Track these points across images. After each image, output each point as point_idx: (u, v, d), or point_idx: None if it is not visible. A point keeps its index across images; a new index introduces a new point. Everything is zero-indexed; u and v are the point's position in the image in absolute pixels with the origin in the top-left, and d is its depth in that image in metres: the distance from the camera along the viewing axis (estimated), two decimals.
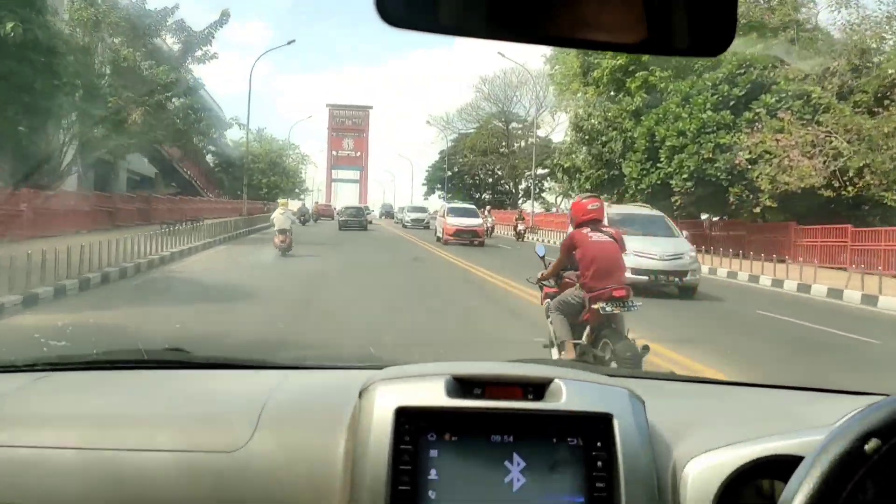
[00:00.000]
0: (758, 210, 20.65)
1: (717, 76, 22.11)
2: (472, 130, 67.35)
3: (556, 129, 63.86)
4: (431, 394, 1.10)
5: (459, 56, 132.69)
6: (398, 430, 1.06)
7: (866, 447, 0.78)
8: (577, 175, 30.04)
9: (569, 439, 1.08)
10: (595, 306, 4.83)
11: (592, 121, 28.45)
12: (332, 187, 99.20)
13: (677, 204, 22.62)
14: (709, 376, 5.11)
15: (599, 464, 1.06)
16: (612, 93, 29.16)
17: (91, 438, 1.15)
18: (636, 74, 27.18)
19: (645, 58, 26.92)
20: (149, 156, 39.53)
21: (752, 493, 1.07)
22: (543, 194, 72.81)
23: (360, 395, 1.14)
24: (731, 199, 20.81)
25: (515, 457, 1.06)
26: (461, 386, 1.11)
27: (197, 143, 28.79)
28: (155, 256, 14.38)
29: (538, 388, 1.12)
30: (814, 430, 1.06)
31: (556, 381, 1.12)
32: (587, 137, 28.92)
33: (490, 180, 73.24)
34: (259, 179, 56.32)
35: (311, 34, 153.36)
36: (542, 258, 5.87)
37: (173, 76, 20.36)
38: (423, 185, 75.86)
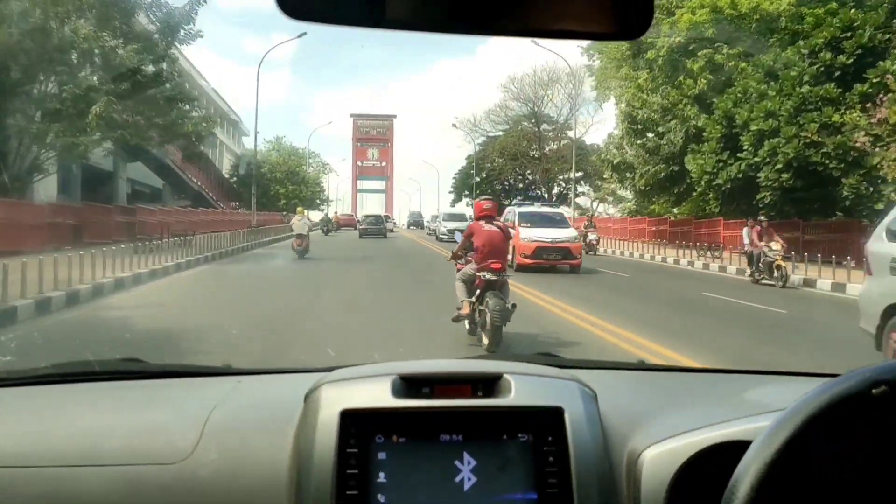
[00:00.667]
0: (881, 206, 16.26)
1: (814, 43, 17.81)
2: (500, 133, 63.23)
3: (591, 129, 59.65)
4: (377, 395, 1.07)
5: (485, 57, 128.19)
6: (344, 433, 1.03)
7: (874, 391, 0.75)
8: (629, 172, 25.87)
9: (519, 435, 1.05)
10: (479, 274, 6.80)
11: (647, 110, 24.25)
12: (358, 198, 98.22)
13: (767, 201, 18.29)
14: (672, 363, 5.43)
15: (551, 459, 1.03)
16: (669, 76, 24.91)
17: (31, 455, 1.11)
18: (699, 53, 23.00)
19: (710, 33, 22.70)
20: (154, 166, 36.46)
21: (707, 480, 1.02)
22: (577, 199, 69.10)
23: (306, 398, 1.11)
24: (845, 192, 16.53)
25: (465, 456, 1.04)
26: (408, 385, 1.08)
27: (196, 144, 24.94)
28: (85, 286, 10.25)
29: (487, 385, 1.10)
30: (765, 414, 1.06)
31: (505, 376, 1.10)
32: (640, 128, 24.73)
33: (521, 185, 69.35)
34: (276, 189, 53.01)
35: (335, 48, 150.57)
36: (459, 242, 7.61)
37: (147, 59, 16.85)
38: (451, 191, 72.04)
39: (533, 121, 60.23)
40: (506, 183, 65.52)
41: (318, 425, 1.04)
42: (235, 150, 61.86)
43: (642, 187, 24.83)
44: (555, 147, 60.30)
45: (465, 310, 6.81)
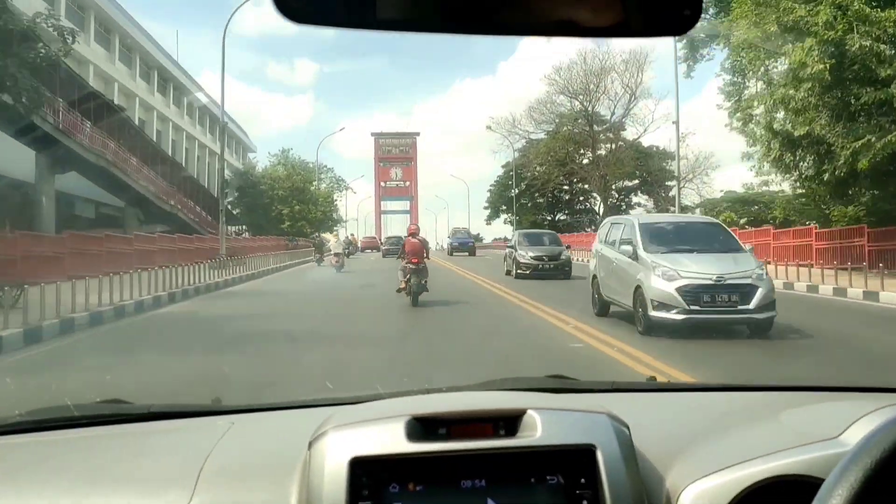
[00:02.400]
0: None
1: None
2: (543, 135, 53.47)
3: (652, 127, 49.69)
4: (390, 438, 0.98)
5: (526, 48, 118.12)
6: (354, 483, 0.94)
7: None
8: (811, 148, 16.08)
9: (548, 478, 0.97)
10: (406, 266, 12.06)
11: (866, 36, 14.40)
12: (382, 219, 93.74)
13: None
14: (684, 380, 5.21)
15: (584, 503, 0.95)
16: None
17: None
18: None
19: None
20: (104, 182, 27.89)
21: None
22: (632, 211, 59.29)
23: (310, 445, 1.01)
24: None
25: (490, 503, 0.95)
26: (423, 426, 1.00)
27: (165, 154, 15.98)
28: None
29: (510, 422, 1.01)
30: (816, 444, 1.00)
31: (530, 412, 1.01)
32: (829, 81, 14.89)
33: (567, 197, 59.83)
34: (279, 209, 44.25)
35: (357, 75, 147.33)
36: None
37: None
38: (486, 206, 62.58)
39: (584, 117, 50.07)
40: (550, 195, 56.07)
41: (326, 475, 0.95)
42: (239, 167, 53.51)
43: (842, 175, 14.93)
44: (611, 148, 50.49)
45: (402, 286, 12.17)
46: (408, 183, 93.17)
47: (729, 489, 0.97)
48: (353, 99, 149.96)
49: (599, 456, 0.97)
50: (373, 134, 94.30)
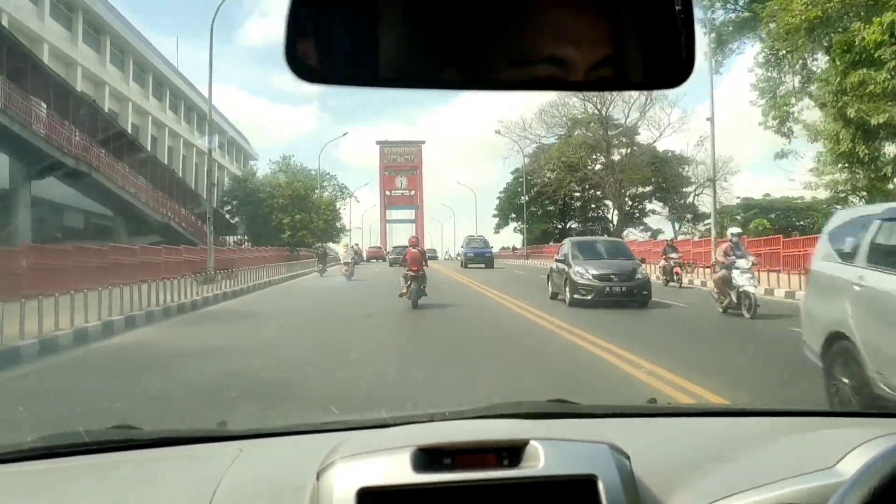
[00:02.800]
0: None
1: None
2: (553, 139, 51.43)
3: (667, 131, 47.62)
4: (396, 469, 1.00)
5: None
6: None
7: None
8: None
9: None
10: (406, 272, 13.41)
11: None
12: (387, 228, 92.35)
13: None
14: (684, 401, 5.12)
15: None
16: None
17: None
18: None
19: None
20: (88, 189, 26.02)
21: None
22: (646, 220, 57.11)
23: (318, 476, 1.03)
24: None
25: None
26: (428, 456, 1.02)
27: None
28: None
29: (513, 452, 1.04)
30: (813, 474, 1.02)
31: (532, 443, 1.03)
32: None
33: (578, 204, 57.73)
34: (279, 218, 42.31)
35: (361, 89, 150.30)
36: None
37: None
38: (495, 214, 60.54)
39: (598, 119, 48.03)
40: (562, 201, 54.00)
41: None
42: (240, 174, 51.69)
43: None
44: (626, 153, 48.38)
45: (404, 290, 13.27)
46: (413, 192, 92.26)
47: None
48: (357, 109, 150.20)
49: (601, 486, 0.98)
50: (378, 142, 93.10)
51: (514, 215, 58.07)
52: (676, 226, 52.23)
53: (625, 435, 1.15)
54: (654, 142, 48.10)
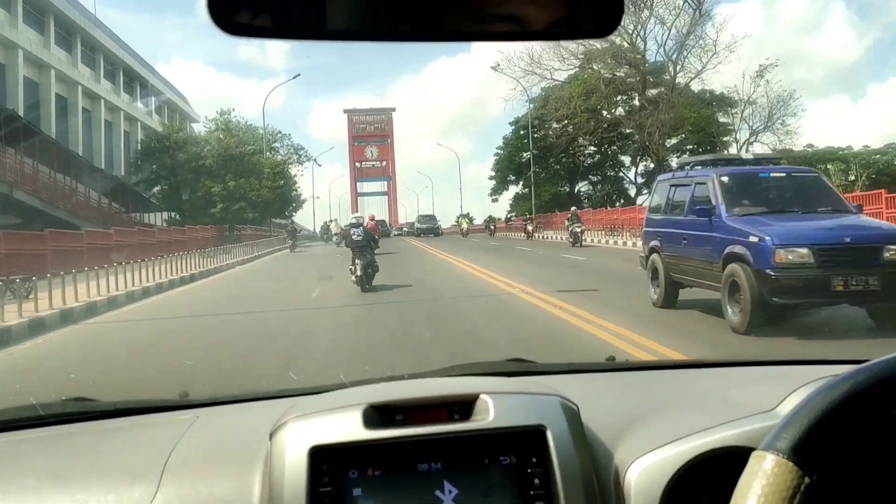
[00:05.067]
0: None
1: None
2: (567, 76, 40.24)
3: (712, 62, 36.67)
4: (348, 427, 1.01)
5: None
6: (315, 471, 0.97)
7: None
8: None
9: (501, 458, 1.01)
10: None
11: None
12: (358, 202, 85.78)
13: None
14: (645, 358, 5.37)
15: (536, 481, 0.99)
16: None
17: None
18: None
19: None
20: None
21: (703, 491, 1.01)
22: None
23: (271, 436, 1.04)
24: None
25: (446, 485, 0.99)
26: (380, 414, 1.04)
27: None
28: None
29: (464, 407, 1.06)
30: (754, 416, 1.06)
31: (482, 397, 1.05)
32: None
33: (589, 162, 47.41)
34: (207, 187, 31.21)
35: (329, 50, 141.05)
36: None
37: None
38: (491, 177, 49.69)
39: (630, 42, 36.86)
40: (567, 159, 43.51)
41: (287, 464, 0.98)
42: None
43: None
44: (667, 91, 37.61)
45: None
46: (385, 162, 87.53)
47: (673, 462, 1.01)
48: (327, 81, 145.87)
49: (549, 436, 1.01)
50: (346, 111, 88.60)
51: (512, 177, 47.47)
52: None
53: (577, 390, 1.16)
54: (695, 77, 37.44)
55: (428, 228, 45.75)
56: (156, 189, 33.02)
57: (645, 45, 36.45)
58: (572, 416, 1.06)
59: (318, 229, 55.01)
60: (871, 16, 71.86)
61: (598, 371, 1.66)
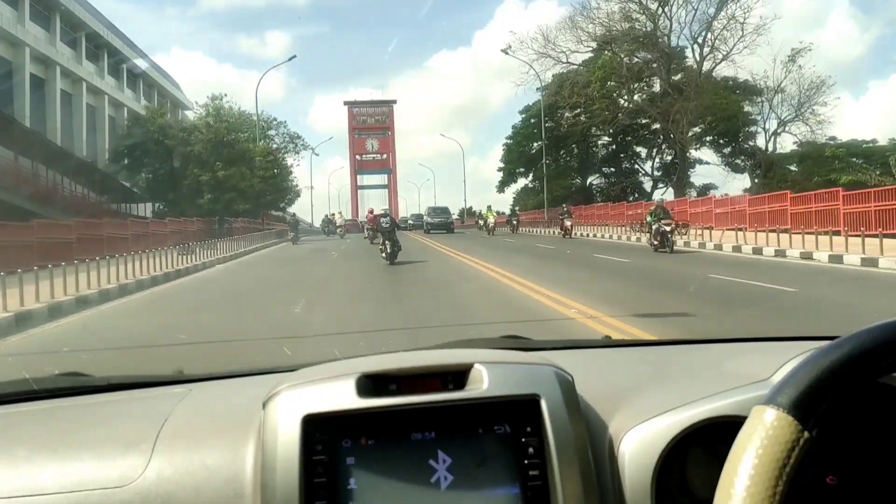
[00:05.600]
0: None
1: None
2: (587, 56, 37.44)
3: (738, 46, 34.08)
4: (341, 396, 1.00)
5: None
6: (308, 440, 0.96)
7: None
8: None
9: (495, 428, 1.01)
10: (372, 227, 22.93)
11: None
12: (358, 195, 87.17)
13: None
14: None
15: (531, 450, 0.99)
16: None
17: None
18: None
19: None
20: None
21: (697, 461, 1.02)
22: (692, 175, 43.85)
23: (264, 405, 1.03)
24: None
25: (440, 454, 0.99)
26: (374, 383, 1.02)
27: None
28: None
29: (458, 377, 1.04)
30: (748, 386, 1.07)
31: (477, 366, 1.05)
32: None
33: (603, 153, 44.87)
34: (195, 175, 28.74)
35: (330, 43, 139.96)
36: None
37: None
38: (499, 169, 47.12)
39: (652, 20, 34.26)
40: (577, 150, 40.91)
41: (280, 433, 0.97)
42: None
43: None
44: (676, 80, 35.10)
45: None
46: (385, 155, 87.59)
47: (667, 431, 1.02)
48: (326, 74, 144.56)
49: (544, 405, 1.00)
50: (346, 103, 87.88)
51: (522, 169, 44.95)
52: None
53: (571, 362, 1.14)
54: (719, 63, 34.91)
55: (440, 223, 39.25)
56: (139, 178, 30.47)
57: (671, 25, 33.84)
58: (567, 386, 1.05)
59: (315, 222, 52.69)
60: (874, 12, 69.65)
61: (594, 347, 1.67)
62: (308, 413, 0.97)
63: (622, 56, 34.45)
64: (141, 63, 40.95)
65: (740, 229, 18.61)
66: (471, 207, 46.64)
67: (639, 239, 22.27)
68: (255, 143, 32.77)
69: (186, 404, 1.19)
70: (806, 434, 0.67)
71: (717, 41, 32.77)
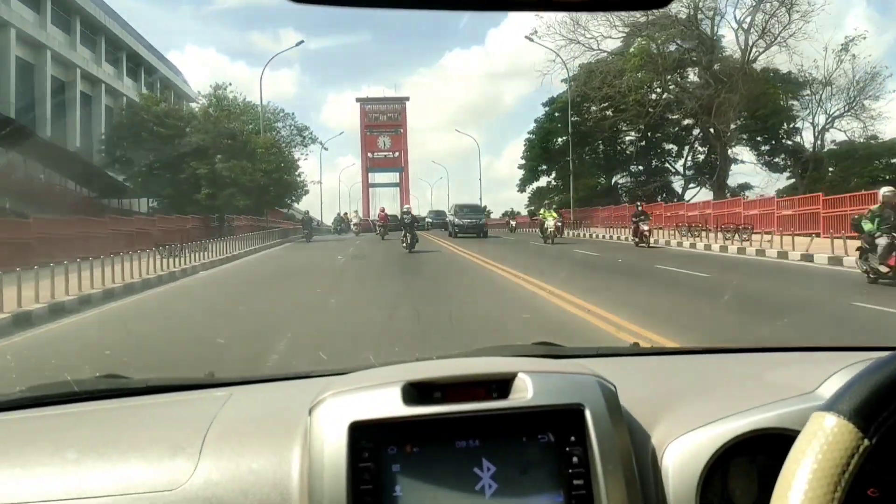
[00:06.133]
0: None
1: None
2: (618, 43, 34.52)
3: (783, 34, 31.07)
4: (387, 403, 1.01)
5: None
6: (354, 447, 0.98)
7: None
8: None
9: (539, 436, 1.01)
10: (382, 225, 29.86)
11: None
12: (370, 193, 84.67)
13: None
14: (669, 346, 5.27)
15: (575, 459, 1.00)
16: None
17: (13, 493, 1.01)
18: None
19: None
20: None
21: (739, 472, 1.02)
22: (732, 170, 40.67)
23: (310, 412, 1.05)
24: None
25: (484, 462, 1.00)
26: (419, 391, 1.04)
27: None
28: None
29: (502, 385, 1.06)
30: (792, 399, 1.06)
31: (521, 375, 1.05)
32: None
33: (630, 150, 41.97)
34: (192, 168, 26.28)
35: (342, 42, 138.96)
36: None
37: None
38: (520, 166, 44.32)
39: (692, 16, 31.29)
40: (603, 147, 38.06)
41: (327, 440, 0.98)
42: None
43: None
44: (717, 70, 32.16)
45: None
46: (398, 153, 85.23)
47: (711, 443, 1.01)
48: (339, 72, 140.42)
49: (588, 415, 1.01)
50: (358, 100, 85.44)
51: (544, 166, 42.19)
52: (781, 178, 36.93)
53: (609, 371, 1.13)
54: (761, 53, 32.01)
55: (471, 225, 30.48)
56: (132, 171, 28.04)
57: (716, 9, 30.97)
58: (610, 395, 1.05)
59: (325, 220, 50.35)
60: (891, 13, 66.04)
61: (626, 355, 1.64)
62: (355, 420, 0.97)
63: (659, 41, 31.62)
64: (141, 50, 38.62)
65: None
66: (485, 207, 44.01)
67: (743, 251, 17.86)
68: (259, 134, 30.35)
69: (229, 408, 1.18)
70: (866, 442, 0.66)
71: (768, 24, 29.79)
